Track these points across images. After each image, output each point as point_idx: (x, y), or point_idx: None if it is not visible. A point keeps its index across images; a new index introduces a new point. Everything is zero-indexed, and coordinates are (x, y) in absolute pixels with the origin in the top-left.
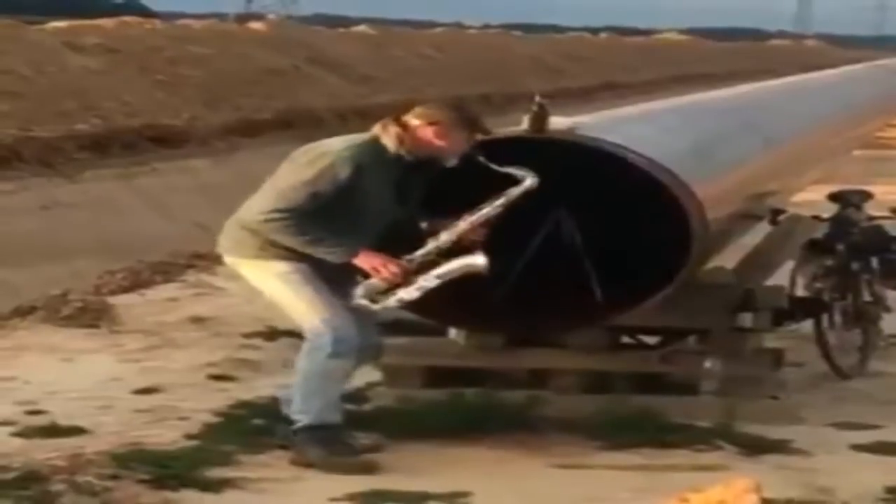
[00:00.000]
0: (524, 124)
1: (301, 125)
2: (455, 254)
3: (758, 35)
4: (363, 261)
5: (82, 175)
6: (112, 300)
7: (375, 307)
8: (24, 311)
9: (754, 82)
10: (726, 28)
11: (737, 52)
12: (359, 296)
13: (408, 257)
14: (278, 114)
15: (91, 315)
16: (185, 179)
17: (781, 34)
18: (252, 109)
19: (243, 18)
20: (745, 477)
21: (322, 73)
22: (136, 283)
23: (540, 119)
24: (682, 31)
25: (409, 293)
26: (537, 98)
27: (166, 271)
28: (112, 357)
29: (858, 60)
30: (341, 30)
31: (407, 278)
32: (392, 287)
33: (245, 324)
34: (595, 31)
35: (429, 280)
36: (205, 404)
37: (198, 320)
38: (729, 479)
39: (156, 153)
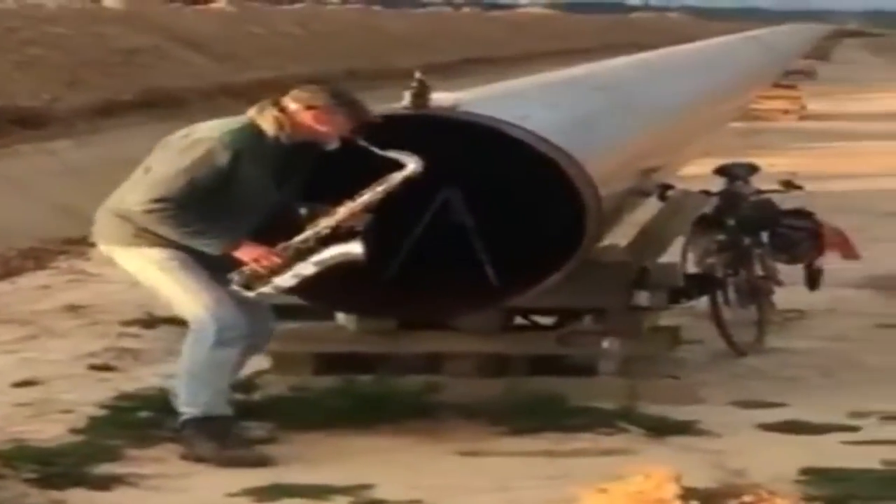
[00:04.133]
0: (405, 101)
1: (164, 105)
2: (334, 240)
3: (620, 8)
4: (244, 254)
5: None
6: None
7: (250, 294)
8: None
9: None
10: (589, 2)
11: (602, 26)
12: (235, 282)
13: (284, 244)
14: (141, 94)
15: None
16: (49, 162)
17: (645, 7)
18: (114, 90)
19: None
20: (663, 464)
21: (183, 51)
22: (6, 270)
23: (421, 95)
24: (545, 6)
25: (284, 280)
26: (417, 74)
27: (38, 257)
28: None
29: (726, 33)
30: (199, 7)
31: (284, 265)
32: (269, 274)
33: (123, 311)
34: (457, 5)
35: (305, 267)
36: (87, 396)
37: (73, 308)
38: (637, 463)
39: (17, 135)
